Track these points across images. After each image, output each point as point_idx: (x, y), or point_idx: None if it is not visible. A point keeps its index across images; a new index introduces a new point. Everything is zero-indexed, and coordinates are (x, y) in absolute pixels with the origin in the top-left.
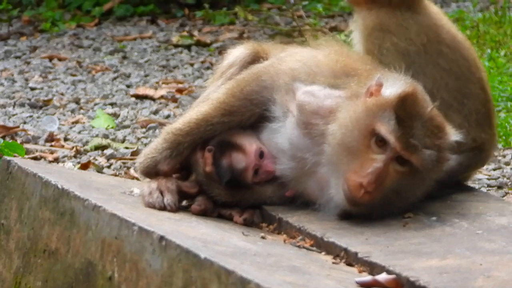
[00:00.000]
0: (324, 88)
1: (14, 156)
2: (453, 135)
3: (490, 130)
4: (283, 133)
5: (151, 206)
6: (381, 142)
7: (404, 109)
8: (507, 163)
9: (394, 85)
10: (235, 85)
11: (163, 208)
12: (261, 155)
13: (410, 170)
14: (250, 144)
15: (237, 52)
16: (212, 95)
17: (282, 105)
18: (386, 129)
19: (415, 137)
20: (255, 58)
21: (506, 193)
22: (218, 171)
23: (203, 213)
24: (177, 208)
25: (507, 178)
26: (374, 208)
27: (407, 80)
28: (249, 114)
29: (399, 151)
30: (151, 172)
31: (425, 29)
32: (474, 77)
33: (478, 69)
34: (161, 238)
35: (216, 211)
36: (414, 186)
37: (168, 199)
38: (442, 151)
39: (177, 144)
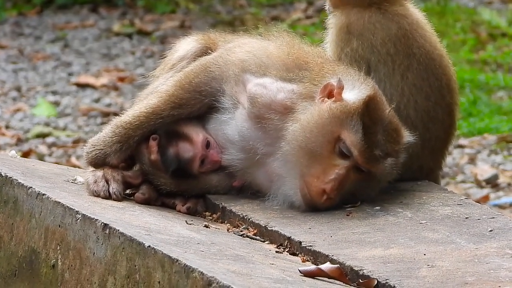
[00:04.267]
0: (276, 81)
1: None
2: (407, 137)
3: (441, 159)
4: (232, 125)
5: (96, 194)
6: (344, 149)
7: (368, 115)
8: (449, 153)
9: (354, 88)
10: (183, 77)
11: (108, 197)
12: (207, 145)
13: (369, 176)
14: (197, 134)
15: (188, 46)
16: (160, 87)
17: (231, 96)
18: (351, 139)
19: (378, 146)
20: (206, 52)
21: (447, 183)
22: (164, 160)
23: (146, 202)
24: (122, 197)
25: (449, 168)
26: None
27: (366, 81)
28: (198, 106)
29: (361, 164)
30: (99, 163)
31: (393, 39)
32: (444, 101)
33: (450, 92)
34: (105, 226)
35: (159, 200)
36: (369, 188)
37: (114, 187)
38: (399, 155)
39: (127, 138)
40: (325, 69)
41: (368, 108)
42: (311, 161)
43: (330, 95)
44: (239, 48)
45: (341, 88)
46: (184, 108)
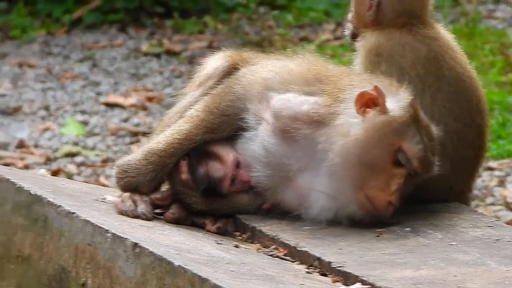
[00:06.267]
0: (299, 95)
1: None
2: (436, 132)
3: (471, 181)
4: (257, 141)
5: (124, 214)
6: (403, 159)
7: (420, 123)
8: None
9: (391, 94)
10: (211, 101)
11: (136, 216)
12: (238, 164)
13: (417, 178)
14: (227, 154)
15: (216, 63)
16: (190, 111)
17: (255, 114)
18: (412, 150)
19: (429, 150)
20: (233, 70)
21: (477, 205)
22: (194, 179)
23: (176, 221)
24: (151, 217)
25: (478, 190)
26: None
27: (397, 85)
28: (229, 129)
29: (420, 172)
30: (130, 190)
31: (423, 61)
32: (474, 123)
33: (480, 113)
34: (135, 245)
35: (189, 219)
36: (411, 187)
37: (142, 208)
38: (436, 154)
39: (162, 166)
40: (349, 79)
41: (418, 116)
42: (370, 174)
43: (369, 105)
44: (261, 68)
45: (384, 97)
46: (216, 133)
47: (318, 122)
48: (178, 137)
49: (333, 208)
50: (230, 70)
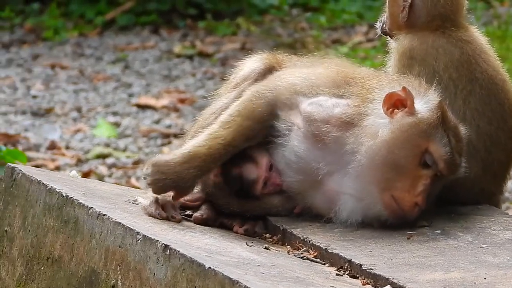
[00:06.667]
0: (330, 98)
1: (16, 164)
2: (464, 132)
3: (502, 183)
4: (288, 147)
5: (154, 216)
6: (429, 160)
7: (447, 124)
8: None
9: (420, 95)
10: (243, 107)
11: (166, 218)
12: (270, 167)
13: (444, 179)
14: (262, 156)
15: (253, 65)
16: (224, 116)
17: (285, 120)
18: (439, 152)
19: (456, 152)
20: (270, 72)
21: (507, 208)
22: (227, 181)
23: (205, 222)
24: (180, 219)
25: (509, 193)
26: None
27: (426, 86)
28: (263, 135)
29: (446, 174)
30: (166, 192)
31: (456, 64)
32: (507, 126)
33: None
34: (165, 247)
35: (218, 220)
36: (438, 189)
37: (172, 210)
38: (463, 155)
39: (207, 171)
40: (377, 80)
41: (446, 117)
42: (397, 175)
43: (397, 106)
44: (288, 74)
45: (412, 98)
46: (255, 139)
47: (348, 123)
48: (222, 142)
49: (361, 210)
50: (267, 73)
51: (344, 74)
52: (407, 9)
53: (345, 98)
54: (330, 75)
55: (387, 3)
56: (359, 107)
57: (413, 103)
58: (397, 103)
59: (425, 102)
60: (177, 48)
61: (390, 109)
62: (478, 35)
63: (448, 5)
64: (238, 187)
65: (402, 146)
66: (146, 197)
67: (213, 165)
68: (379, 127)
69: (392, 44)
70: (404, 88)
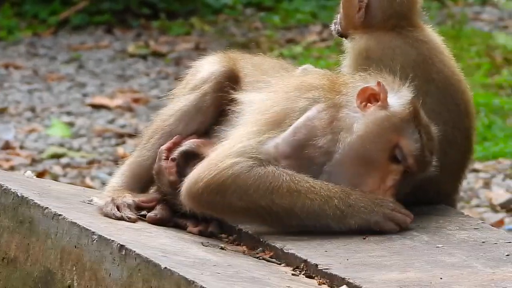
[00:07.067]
0: (289, 127)
1: None
2: (435, 129)
3: (458, 183)
4: None
5: (109, 216)
6: (399, 155)
7: (419, 121)
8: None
9: (397, 92)
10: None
11: (120, 219)
12: None
13: (414, 176)
14: None
15: (212, 68)
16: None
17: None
18: (409, 147)
19: (427, 149)
20: (230, 75)
21: (462, 207)
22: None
23: (159, 222)
24: (136, 219)
25: (463, 192)
26: None
27: (399, 82)
28: None
29: (415, 170)
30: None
31: (412, 64)
32: (463, 126)
33: (467, 116)
34: (121, 247)
35: (172, 220)
36: (408, 186)
37: (126, 212)
38: (435, 153)
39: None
40: (349, 76)
41: (418, 113)
42: (368, 170)
43: (371, 100)
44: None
45: (386, 92)
46: None
47: (324, 128)
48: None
49: None
50: (227, 77)
51: (296, 86)
52: (363, 9)
53: (314, 104)
54: (273, 108)
55: (341, 4)
56: (333, 104)
57: (386, 97)
58: (370, 97)
59: (399, 98)
60: (131, 48)
61: (363, 103)
62: (434, 35)
63: (404, 4)
64: None
65: (374, 140)
66: (102, 197)
67: None
68: (353, 120)
69: (348, 44)
70: (378, 83)
